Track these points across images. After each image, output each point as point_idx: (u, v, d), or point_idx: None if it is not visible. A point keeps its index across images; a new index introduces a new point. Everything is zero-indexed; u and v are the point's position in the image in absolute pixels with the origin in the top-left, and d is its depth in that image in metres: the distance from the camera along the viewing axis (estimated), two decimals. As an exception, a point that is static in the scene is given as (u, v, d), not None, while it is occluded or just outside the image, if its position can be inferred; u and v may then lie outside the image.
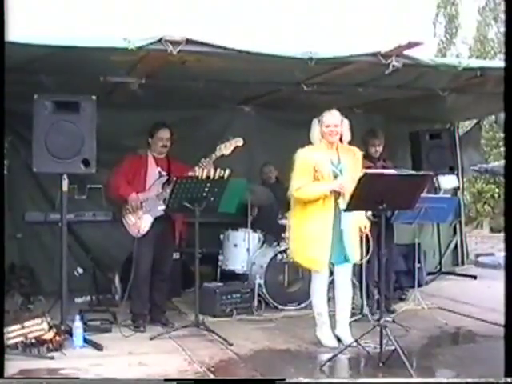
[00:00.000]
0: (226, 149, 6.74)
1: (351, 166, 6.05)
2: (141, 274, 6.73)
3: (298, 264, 6.50)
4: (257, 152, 9.43)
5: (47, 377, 5.10)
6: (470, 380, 5.02)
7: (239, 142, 6.79)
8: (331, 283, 6.37)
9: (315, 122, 6.15)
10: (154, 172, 6.95)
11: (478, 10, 22.85)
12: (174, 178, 6.43)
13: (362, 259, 6.25)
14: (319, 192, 5.97)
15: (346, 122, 6.17)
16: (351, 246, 6.09)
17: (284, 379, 5.06)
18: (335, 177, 6.01)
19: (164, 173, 6.96)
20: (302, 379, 5.10)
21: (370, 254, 6.21)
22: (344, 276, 6.20)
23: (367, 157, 7.30)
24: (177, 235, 7.11)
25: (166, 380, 5.04)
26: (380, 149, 7.46)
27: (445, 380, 5.32)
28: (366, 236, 6.11)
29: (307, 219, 6.05)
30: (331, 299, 6.46)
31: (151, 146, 6.99)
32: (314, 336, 6.24)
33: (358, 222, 6.10)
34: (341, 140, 6.16)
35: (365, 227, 6.12)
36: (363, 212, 6.04)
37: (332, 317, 6.27)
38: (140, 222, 6.76)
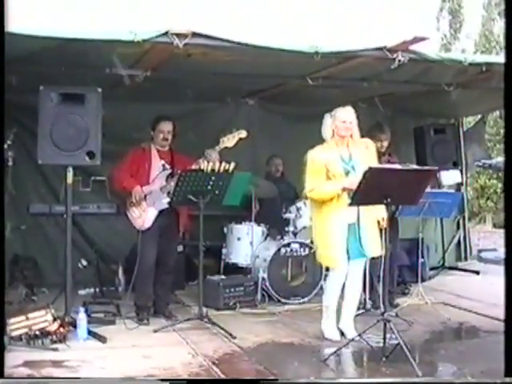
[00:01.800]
0: (229, 141, 6.74)
1: (364, 160, 5.98)
2: (145, 267, 6.73)
3: (315, 259, 6.52)
4: (261, 145, 9.45)
5: (47, 377, 5.10)
6: (472, 380, 5.03)
7: (242, 134, 6.79)
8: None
9: (327, 116, 6.14)
10: (157, 165, 6.96)
11: (483, 5, 22.81)
12: (179, 171, 6.44)
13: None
14: (331, 191, 5.95)
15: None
16: (368, 241, 6.07)
17: (276, 379, 5.08)
18: (347, 174, 6.00)
19: (168, 166, 6.97)
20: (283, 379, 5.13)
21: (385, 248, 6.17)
22: (357, 270, 6.21)
23: (373, 151, 7.31)
24: (181, 228, 7.12)
25: (159, 380, 5.05)
26: (386, 144, 7.45)
27: (446, 379, 5.32)
28: (384, 229, 6.06)
29: (324, 218, 6.05)
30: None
31: (154, 138, 7.00)
32: (318, 329, 6.25)
33: (377, 214, 6.06)
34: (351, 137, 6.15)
35: (383, 219, 6.02)
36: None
37: (337, 310, 6.28)
38: (144, 215, 6.77)
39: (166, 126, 6.95)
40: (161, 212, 6.82)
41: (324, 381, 5.28)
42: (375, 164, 5.87)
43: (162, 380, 4.99)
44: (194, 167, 6.56)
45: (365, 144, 6.24)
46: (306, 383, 5.17)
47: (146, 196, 6.79)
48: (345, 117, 6.05)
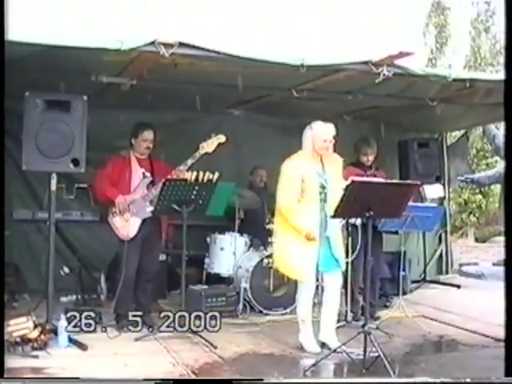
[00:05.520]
0: (208, 146, 6.76)
1: (335, 174, 6.10)
2: (127, 276, 6.72)
3: (281, 273, 6.55)
4: (245, 156, 9.48)
5: (47, 377, 5.10)
6: (468, 380, 5.06)
7: (221, 138, 6.82)
8: (316, 288, 6.42)
9: (308, 128, 6.14)
10: (137, 173, 6.95)
11: (471, 21, 22.98)
12: (163, 180, 6.45)
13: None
14: (298, 227, 5.96)
15: None
16: (340, 252, 6.15)
17: (262, 379, 5.11)
18: (322, 187, 6.02)
19: (148, 173, 6.97)
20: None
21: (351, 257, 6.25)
22: (334, 282, 6.23)
23: (359, 165, 7.37)
24: (163, 236, 7.12)
25: (145, 380, 5.06)
26: (372, 158, 7.50)
27: (445, 380, 5.33)
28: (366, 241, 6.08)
29: (292, 229, 6.04)
30: (316, 304, 6.51)
31: (134, 146, 7.00)
32: (298, 340, 6.27)
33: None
34: None
35: None
36: None
37: (317, 322, 6.30)
38: (128, 225, 6.76)
39: (149, 135, 6.96)
40: (144, 221, 6.82)
41: (309, 380, 5.33)
42: (342, 178, 5.93)
43: (147, 380, 5.01)
44: (175, 176, 6.59)
45: (334, 158, 6.25)
46: (289, 383, 5.21)
47: (129, 205, 6.79)
48: (325, 135, 6.05)
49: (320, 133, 6.06)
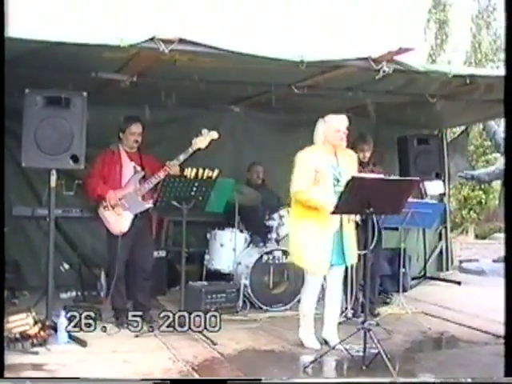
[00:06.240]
0: (201, 142, 6.75)
1: (349, 169, 6.06)
2: (118, 270, 6.72)
3: (298, 267, 6.50)
4: (245, 152, 9.48)
5: (47, 377, 5.10)
6: (469, 380, 5.06)
7: (214, 135, 6.81)
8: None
9: (321, 121, 6.13)
10: (128, 167, 6.94)
11: (472, 17, 22.97)
12: (163, 177, 6.45)
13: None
14: (317, 203, 5.91)
15: None
16: (351, 248, 6.12)
17: (260, 379, 5.10)
18: (336, 180, 5.99)
19: (138, 167, 6.96)
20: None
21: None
22: (337, 278, 6.24)
23: (356, 162, 7.35)
24: (153, 232, 7.12)
25: (142, 380, 5.06)
26: (368, 154, 7.50)
27: (445, 380, 5.32)
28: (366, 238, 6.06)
29: (307, 221, 6.02)
30: (319, 301, 6.51)
31: (122, 140, 6.98)
32: (298, 337, 6.27)
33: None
34: None
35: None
36: None
37: (318, 319, 6.31)
38: (120, 220, 6.75)
39: (138, 128, 6.93)
40: (135, 216, 6.82)
41: (307, 380, 5.33)
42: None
43: (145, 380, 5.01)
44: (168, 170, 6.60)
45: (349, 154, 6.29)
46: (289, 383, 5.20)
47: (120, 200, 6.77)
48: (338, 126, 6.05)
49: (333, 123, 6.07)
